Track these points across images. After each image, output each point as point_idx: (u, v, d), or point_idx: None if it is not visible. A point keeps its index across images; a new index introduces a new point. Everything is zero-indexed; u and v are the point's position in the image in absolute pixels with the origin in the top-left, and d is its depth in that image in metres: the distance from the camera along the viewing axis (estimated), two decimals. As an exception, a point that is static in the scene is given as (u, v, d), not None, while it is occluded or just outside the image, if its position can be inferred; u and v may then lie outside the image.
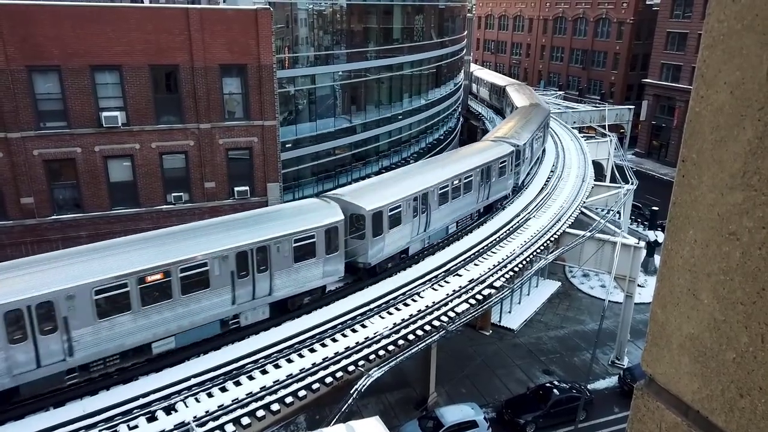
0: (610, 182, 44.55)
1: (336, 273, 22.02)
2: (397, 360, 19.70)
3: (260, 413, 16.63)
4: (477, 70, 74.77)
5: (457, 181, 27.67)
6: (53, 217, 24.67)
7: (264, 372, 18.20)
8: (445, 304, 22.57)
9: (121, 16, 24.24)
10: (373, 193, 24.07)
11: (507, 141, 33.41)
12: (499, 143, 32.94)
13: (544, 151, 43.75)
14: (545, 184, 37.74)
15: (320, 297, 22.00)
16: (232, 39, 25.96)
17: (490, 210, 32.02)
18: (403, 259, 25.50)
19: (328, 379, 18.20)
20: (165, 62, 25.23)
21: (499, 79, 65.34)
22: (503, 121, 45.04)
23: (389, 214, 23.54)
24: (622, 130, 64.63)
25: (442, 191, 26.63)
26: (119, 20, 24.04)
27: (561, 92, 77.40)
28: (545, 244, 28.84)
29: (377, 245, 23.23)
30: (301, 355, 19.10)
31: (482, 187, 29.76)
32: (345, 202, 22.59)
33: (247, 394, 17.09)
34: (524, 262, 26.85)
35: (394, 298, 22.84)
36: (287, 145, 32.09)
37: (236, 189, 27.48)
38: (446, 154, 36.78)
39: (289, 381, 17.79)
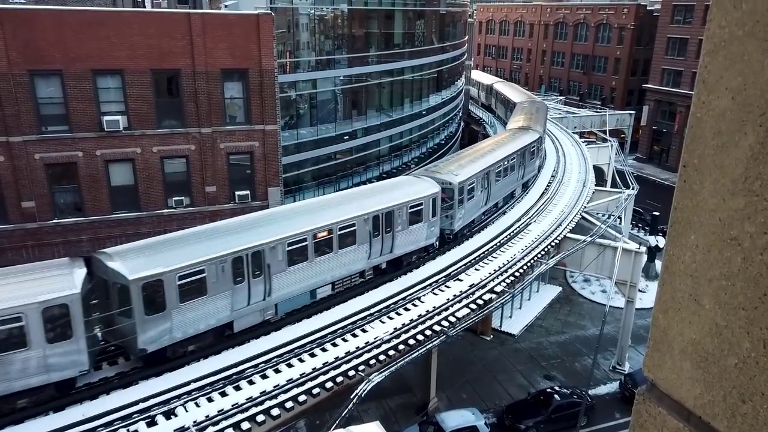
0: (611, 187, 44.56)
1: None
2: (398, 365, 19.66)
3: (260, 418, 16.59)
4: (474, 73, 76.87)
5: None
6: (54, 221, 24.69)
7: (264, 376, 18.16)
8: (446, 309, 22.53)
9: (123, 21, 24.32)
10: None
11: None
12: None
13: (544, 156, 43.79)
14: (546, 189, 37.74)
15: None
16: (234, 44, 26.04)
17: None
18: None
19: (329, 384, 18.17)
20: (167, 66, 25.30)
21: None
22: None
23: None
24: (622, 135, 64.69)
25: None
26: (121, 25, 24.11)
27: (562, 97, 77.52)
28: (546, 249, 28.81)
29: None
30: (301, 360, 19.06)
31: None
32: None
33: (247, 399, 17.06)
34: (525, 267, 26.82)
35: (395, 303, 22.81)
36: (288, 150, 32.13)
37: (237, 193, 27.50)
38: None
39: (290, 386, 17.75)
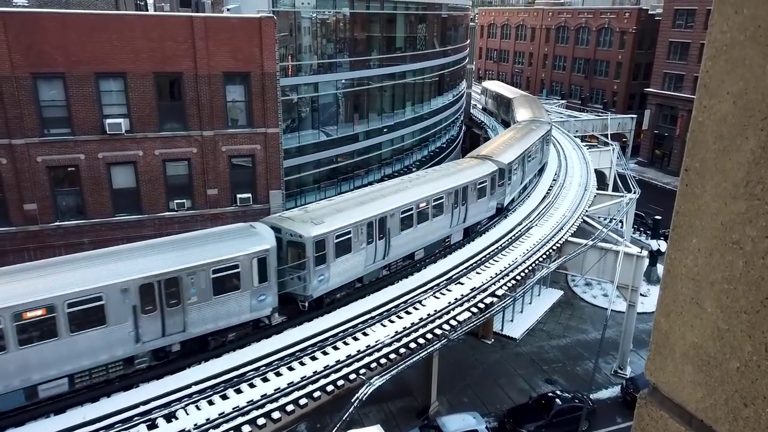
0: (613, 191, 44.53)
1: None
2: (399, 368, 19.63)
3: (261, 421, 16.57)
4: (489, 84, 72.91)
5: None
6: (56, 223, 24.73)
7: (265, 380, 18.15)
8: (447, 313, 22.51)
9: (126, 24, 24.39)
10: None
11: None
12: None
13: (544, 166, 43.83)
14: (547, 193, 37.74)
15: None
16: (236, 47, 26.10)
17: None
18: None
19: (330, 387, 18.14)
20: (169, 70, 25.36)
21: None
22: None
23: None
24: (624, 139, 64.66)
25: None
26: (124, 28, 24.19)
27: (563, 101, 77.53)
28: (547, 253, 28.79)
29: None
30: (302, 363, 19.04)
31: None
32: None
33: (247, 402, 17.03)
34: (526, 271, 26.79)
35: (396, 306, 22.79)
36: (290, 153, 32.16)
37: (239, 196, 27.53)
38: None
39: (290, 389, 17.73)
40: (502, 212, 32.69)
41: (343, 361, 19.17)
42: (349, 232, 22.18)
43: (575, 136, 56.00)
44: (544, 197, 36.88)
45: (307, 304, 21.44)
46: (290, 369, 18.72)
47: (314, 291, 21.27)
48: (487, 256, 27.67)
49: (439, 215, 26.88)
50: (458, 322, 22.18)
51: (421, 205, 25.72)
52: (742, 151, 1.40)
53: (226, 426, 16.11)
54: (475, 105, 71.36)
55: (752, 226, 1.39)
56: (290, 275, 20.87)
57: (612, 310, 29.54)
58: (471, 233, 30.01)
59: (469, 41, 60.44)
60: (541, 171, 41.62)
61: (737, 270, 1.43)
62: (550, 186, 39.28)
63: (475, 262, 26.89)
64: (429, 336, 21.17)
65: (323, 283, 21.55)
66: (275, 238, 20.31)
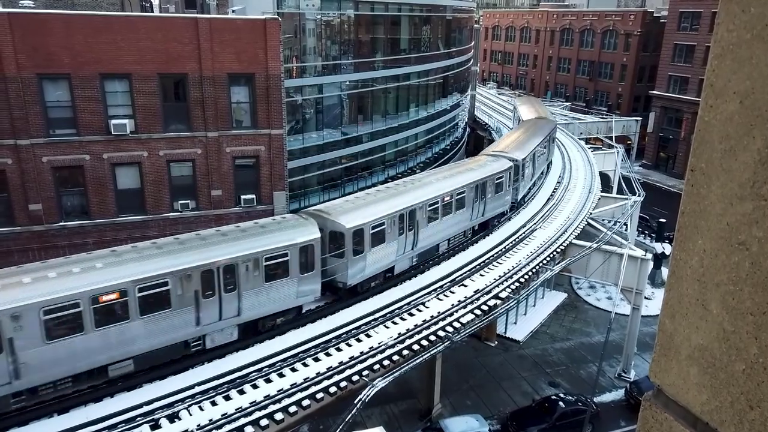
0: (617, 194, 44.41)
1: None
2: (402, 370, 19.60)
3: (264, 422, 16.57)
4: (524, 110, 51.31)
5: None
6: (60, 223, 24.81)
7: (268, 381, 18.15)
8: (450, 315, 22.48)
9: (131, 26, 24.48)
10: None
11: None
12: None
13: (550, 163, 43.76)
14: (551, 195, 37.67)
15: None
16: (241, 48, 26.16)
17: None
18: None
19: (333, 389, 18.13)
20: (174, 71, 25.44)
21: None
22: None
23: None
24: (629, 142, 64.49)
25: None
26: (129, 29, 24.28)
27: (568, 103, 77.42)
28: (551, 255, 28.72)
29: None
30: (305, 365, 19.04)
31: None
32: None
33: (250, 403, 17.04)
34: (530, 273, 26.74)
35: (399, 308, 22.78)
36: (294, 154, 32.20)
37: (243, 197, 27.57)
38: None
39: (294, 390, 17.73)
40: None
41: (346, 363, 19.16)
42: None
43: (579, 139, 55.89)
44: (548, 199, 36.81)
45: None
46: (293, 370, 18.72)
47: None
48: (491, 257, 27.63)
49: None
50: (462, 324, 22.15)
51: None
52: (749, 151, 1.39)
53: (228, 427, 16.11)
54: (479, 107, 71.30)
55: (759, 227, 1.38)
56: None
57: (616, 313, 29.45)
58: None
59: (473, 43, 60.43)
60: (548, 167, 42.89)
61: (743, 271, 1.42)
62: (555, 188, 39.21)
63: (478, 264, 26.85)
64: (432, 338, 21.14)
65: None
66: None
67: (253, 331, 20.24)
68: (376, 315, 22.18)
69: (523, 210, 34.40)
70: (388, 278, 24.67)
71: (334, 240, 21.98)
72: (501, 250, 28.63)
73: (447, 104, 49.23)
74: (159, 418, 16.20)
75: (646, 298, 32.68)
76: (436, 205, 26.14)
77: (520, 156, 33.09)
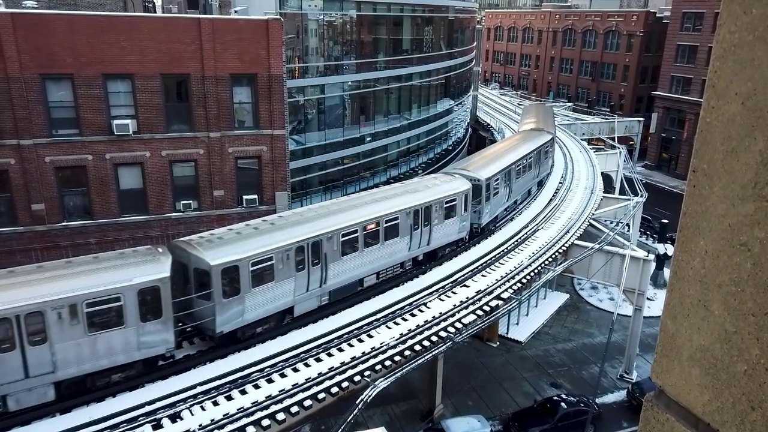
0: (620, 194, 44.35)
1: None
2: (404, 371, 19.60)
3: (265, 422, 16.58)
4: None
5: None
6: (63, 223, 24.86)
7: (270, 381, 18.16)
8: (452, 315, 22.47)
9: (134, 26, 24.52)
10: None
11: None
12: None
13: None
14: (554, 196, 37.64)
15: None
16: (243, 49, 26.19)
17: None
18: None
19: (334, 389, 18.14)
20: (176, 71, 25.47)
21: None
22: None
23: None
24: (631, 143, 64.41)
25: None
26: (132, 30, 24.32)
27: (570, 104, 77.34)
28: (553, 256, 28.70)
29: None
30: (307, 365, 19.05)
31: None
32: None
33: (252, 403, 17.05)
34: (532, 274, 26.72)
35: (401, 308, 22.77)
36: (296, 154, 32.22)
37: (245, 197, 27.59)
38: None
39: (295, 390, 17.74)
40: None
41: (348, 363, 19.17)
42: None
43: (582, 139, 55.85)
44: (551, 200, 36.78)
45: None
46: (295, 371, 18.73)
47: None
48: (494, 258, 27.61)
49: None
50: (463, 324, 22.14)
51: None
52: (751, 152, 1.39)
53: (230, 427, 16.12)
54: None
55: (760, 228, 1.38)
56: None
57: (618, 314, 29.43)
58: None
59: (475, 44, 60.42)
60: (540, 185, 39.29)
61: (745, 272, 1.42)
62: (557, 189, 39.17)
63: (481, 265, 26.84)
64: (434, 338, 21.13)
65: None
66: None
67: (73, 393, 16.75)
68: (378, 315, 22.19)
69: (492, 237, 30.05)
70: (295, 319, 21.30)
71: (200, 279, 18.49)
72: (503, 250, 28.61)
73: (449, 105, 49.21)
74: (161, 418, 16.22)
75: (648, 299, 32.63)
76: (355, 235, 22.46)
77: (485, 175, 29.26)
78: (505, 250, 28.59)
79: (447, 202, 26.39)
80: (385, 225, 23.64)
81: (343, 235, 22.10)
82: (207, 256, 18.38)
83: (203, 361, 18.86)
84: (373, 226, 23.19)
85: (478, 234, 29.82)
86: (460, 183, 27.66)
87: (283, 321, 20.94)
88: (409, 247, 24.98)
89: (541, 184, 39.42)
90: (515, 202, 34.94)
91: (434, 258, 26.84)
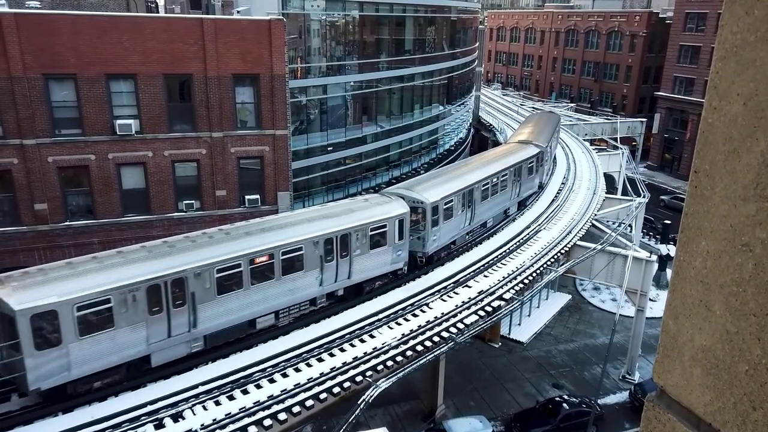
0: (622, 195, 44.29)
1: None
2: (405, 371, 19.60)
3: (267, 422, 16.59)
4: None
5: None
6: (66, 223, 24.90)
7: (272, 381, 18.18)
8: (454, 316, 22.46)
9: (137, 26, 24.57)
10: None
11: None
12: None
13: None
14: (556, 196, 37.61)
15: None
16: (246, 49, 26.21)
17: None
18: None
19: (336, 389, 18.14)
20: (179, 71, 25.51)
21: None
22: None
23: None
24: (634, 143, 64.31)
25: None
26: (135, 30, 24.36)
27: (572, 104, 77.26)
28: (556, 257, 28.67)
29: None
30: (309, 365, 19.07)
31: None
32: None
33: (255, 403, 17.07)
34: (534, 275, 26.70)
35: (403, 309, 22.77)
36: (298, 154, 32.24)
37: (247, 197, 27.62)
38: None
39: (297, 390, 17.75)
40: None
41: (350, 363, 19.18)
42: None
43: (584, 140, 55.80)
44: (553, 200, 36.74)
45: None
46: (297, 371, 18.75)
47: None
48: (496, 258, 27.60)
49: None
50: (465, 325, 22.13)
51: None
52: (753, 152, 1.39)
53: (232, 426, 16.15)
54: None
55: (762, 229, 1.38)
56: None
57: (620, 314, 29.38)
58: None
59: (478, 44, 60.41)
60: (522, 204, 35.30)
61: (746, 272, 1.42)
62: (559, 189, 39.13)
63: (483, 265, 26.83)
64: (436, 339, 21.13)
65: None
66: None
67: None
68: (380, 316, 22.19)
69: (442, 268, 26.29)
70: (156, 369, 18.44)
71: (4, 326, 15.79)
72: (506, 251, 28.59)
73: (451, 105, 49.20)
74: (163, 418, 16.25)
75: (650, 299, 32.59)
76: (238, 269, 19.47)
77: (432, 197, 25.58)
78: (508, 251, 28.59)
79: (373, 229, 23.05)
80: (283, 257, 20.50)
81: (220, 270, 18.92)
82: (12, 300, 15.35)
83: (205, 361, 18.89)
84: (265, 258, 20.07)
85: (423, 264, 26.05)
86: (395, 206, 24.17)
87: (141, 369, 17.95)
88: (320, 282, 21.76)
89: (524, 204, 35.19)
90: (485, 225, 31.09)
91: (360, 293, 23.51)
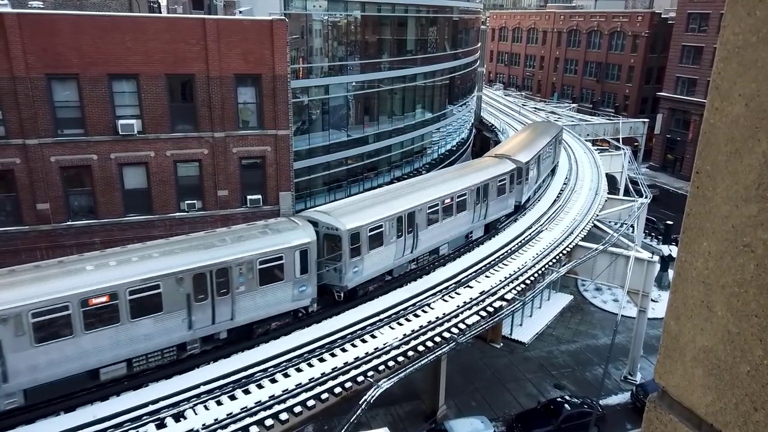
0: (624, 195, 44.24)
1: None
2: (407, 371, 19.60)
3: (269, 422, 16.60)
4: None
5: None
6: (68, 223, 24.95)
7: (273, 381, 18.19)
8: (456, 316, 22.46)
9: (139, 26, 24.60)
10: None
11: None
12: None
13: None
14: (558, 197, 37.58)
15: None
16: (248, 49, 26.23)
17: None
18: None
19: (338, 389, 18.15)
20: (181, 71, 25.54)
21: None
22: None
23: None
24: (636, 144, 64.25)
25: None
26: (137, 30, 24.39)
27: (574, 105, 77.19)
28: (557, 257, 28.65)
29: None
30: (310, 365, 19.08)
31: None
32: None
33: (256, 403, 17.09)
34: (536, 275, 26.68)
35: (405, 309, 22.76)
36: (300, 154, 32.25)
37: (249, 197, 27.64)
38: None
39: (299, 390, 17.76)
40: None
41: (351, 364, 19.18)
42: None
43: (586, 140, 55.74)
44: (555, 200, 36.72)
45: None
46: (298, 371, 18.76)
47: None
48: (497, 259, 27.58)
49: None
50: (467, 325, 22.13)
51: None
52: (754, 153, 1.39)
53: (234, 426, 16.17)
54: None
55: (764, 230, 1.38)
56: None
57: (622, 315, 29.35)
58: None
59: (480, 44, 60.39)
60: (488, 228, 31.53)
61: (748, 273, 1.42)
62: (561, 189, 39.11)
63: (485, 265, 26.81)
64: (437, 339, 21.13)
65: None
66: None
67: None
68: (381, 316, 22.20)
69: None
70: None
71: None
72: (507, 251, 28.57)
73: (453, 105, 49.16)
74: (164, 417, 16.27)
75: (652, 300, 32.54)
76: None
77: (349, 224, 22.31)
78: (509, 251, 28.57)
79: (264, 262, 19.88)
80: (131, 296, 17.22)
81: (36, 315, 15.68)
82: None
83: (207, 361, 18.91)
84: (104, 299, 16.83)
85: (341, 300, 22.94)
86: (298, 234, 21.08)
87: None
88: (189, 324, 18.49)
89: (491, 227, 31.39)
90: (436, 251, 27.65)
91: (250, 336, 20.50)
